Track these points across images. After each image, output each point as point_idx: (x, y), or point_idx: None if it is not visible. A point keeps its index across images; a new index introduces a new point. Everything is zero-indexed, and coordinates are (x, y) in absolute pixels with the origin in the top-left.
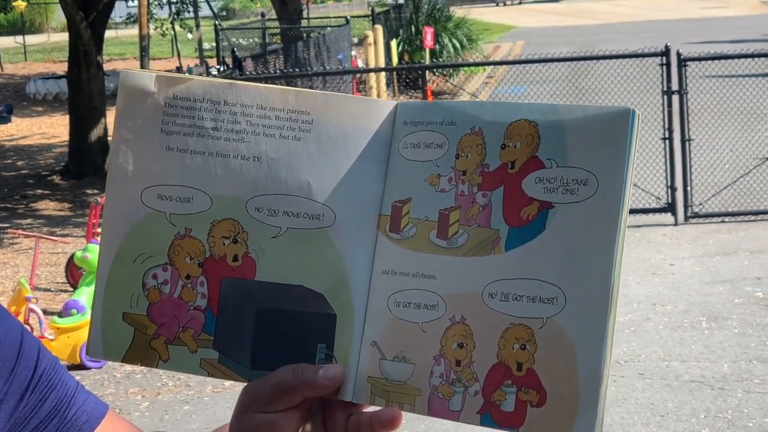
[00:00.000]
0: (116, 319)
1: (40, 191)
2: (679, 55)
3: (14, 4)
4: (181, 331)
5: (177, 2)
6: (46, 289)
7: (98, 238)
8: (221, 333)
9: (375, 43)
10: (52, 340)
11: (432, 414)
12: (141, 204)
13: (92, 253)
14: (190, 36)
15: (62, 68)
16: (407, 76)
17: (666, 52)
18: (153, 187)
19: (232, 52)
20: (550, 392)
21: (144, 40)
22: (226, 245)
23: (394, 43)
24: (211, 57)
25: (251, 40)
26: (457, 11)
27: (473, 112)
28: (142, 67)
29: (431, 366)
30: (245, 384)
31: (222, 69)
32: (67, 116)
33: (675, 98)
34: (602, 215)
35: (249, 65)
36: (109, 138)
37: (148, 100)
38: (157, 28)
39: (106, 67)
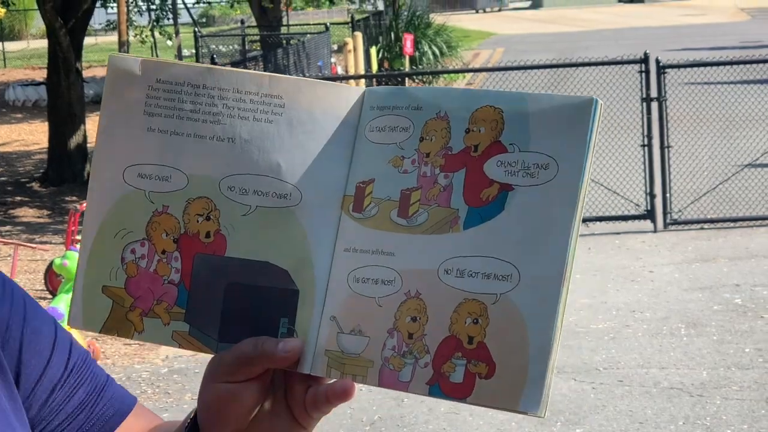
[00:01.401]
0: (96, 292)
1: (19, 198)
2: (658, 62)
3: None
4: (155, 303)
5: (156, 9)
6: None
7: (77, 246)
8: (192, 306)
9: (355, 50)
10: None
11: (382, 385)
12: (123, 182)
13: (71, 260)
14: (169, 43)
15: (41, 75)
16: (387, 83)
17: (645, 60)
18: (134, 166)
19: (212, 58)
20: (499, 365)
21: (123, 47)
22: (199, 222)
23: (373, 50)
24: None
25: (231, 47)
26: (437, 18)
27: (440, 97)
28: None
29: (385, 339)
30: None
31: None
32: (47, 123)
33: (654, 105)
34: (560, 198)
35: None
36: (89, 145)
37: (134, 83)
38: (136, 35)
39: (86, 74)
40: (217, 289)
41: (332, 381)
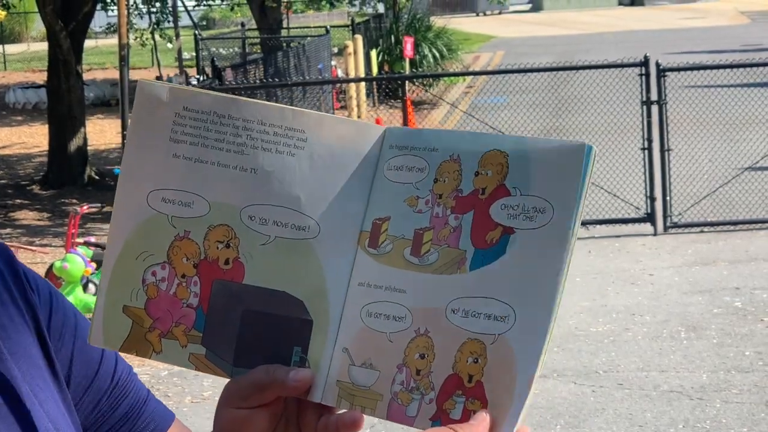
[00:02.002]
0: (117, 311)
1: (19, 201)
2: (658, 65)
3: None
4: (174, 326)
5: (157, 12)
6: None
7: (77, 248)
8: (209, 330)
9: (355, 53)
10: None
11: (390, 418)
12: (147, 205)
13: (71, 263)
14: (170, 46)
15: (42, 77)
16: (387, 86)
17: (645, 63)
18: (158, 191)
19: (212, 61)
20: (490, 403)
21: (123, 50)
22: (219, 249)
23: (374, 53)
24: (191, 66)
25: (231, 50)
26: (437, 21)
27: (454, 140)
28: (122, 76)
29: (394, 374)
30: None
31: (202, 79)
32: (47, 126)
33: (654, 108)
34: (554, 242)
35: (229, 75)
36: (89, 148)
37: (161, 109)
38: (137, 38)
39: (86, 76)
40: (234, 315)
41: (342, 411)
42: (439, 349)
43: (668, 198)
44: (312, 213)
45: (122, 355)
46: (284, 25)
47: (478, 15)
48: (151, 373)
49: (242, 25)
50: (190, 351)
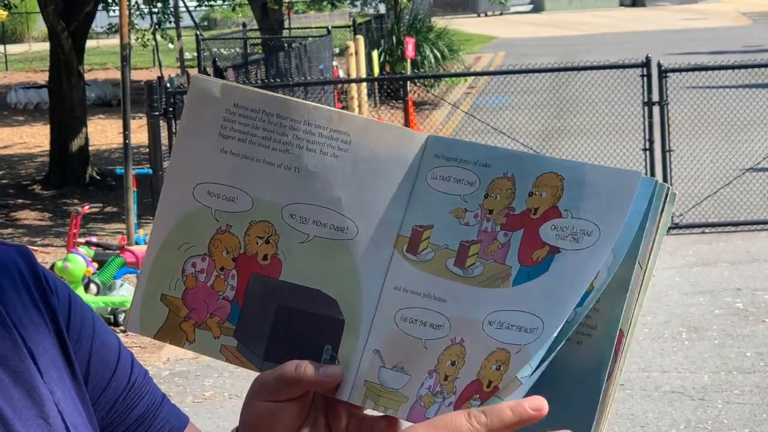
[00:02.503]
0: (155, 299)
1: (20, 201)
2: (659, 66)
3: None
4: (208, 317)
5: (158, 12)
6: None
7: (79, 248)
8: (243, 323)
9: (356, 53)
10: None
11: (409, 419)
12: (192, 198)
13: (73, 263)
14: (171, 46)
15: (43, 77)
16: (388, 87)
17: (647, 63)
18: (204, 184)
19: (214, 62)
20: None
21: (125, 50)
22: (259, 244)
23: (375, 53)
24: (193, 67)
25: (232, 50)
26: (439, 22)
27: (509, 158)
28: (123, 77)
29: (424, 379)
30: (257, 373)
31: None
32: (48, 126)
33: (656, 109)
34: (592, 261)
35: (230, 75)
36: (91, 148)
37: (213, 104)
38: (138, 38)
39: (87, 76)
40: (268, 310)
41: (377, 415)
42: (469, 357)
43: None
44: (351, 215)
45: (157, 342)
46: (286, 25)
47: (479, 16)
48: (153, 372)
49: (244, 25)
50: (222, 342)
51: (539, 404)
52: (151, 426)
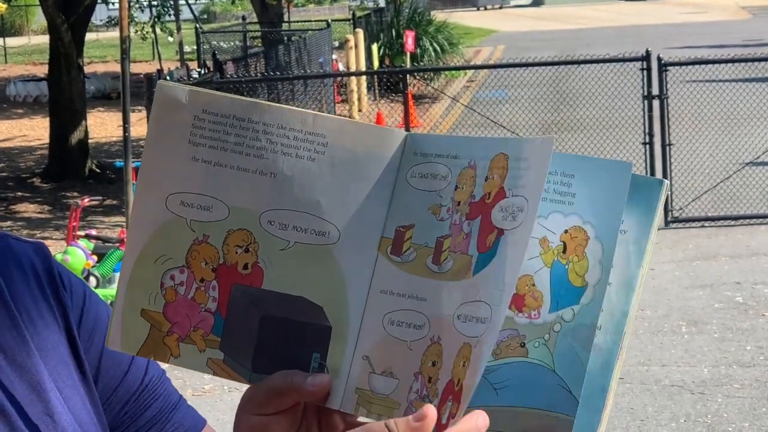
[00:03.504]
0: (135, 315)
1: (20, 194)
2: (659, 59)
3: None
4: (192, 330)
5: (158, 5)
6: None
7: (78, 241)
8: (227, 335)
9: (356, 46)
10: None
11: None
12: (165, 209)
13: (72, 255)
14: (170, 39)
15: (43, 70)
16: (388, 80)
17: (647, 57)
18: (177, 194)
19: (213, 55)
20: (461, 406)
21: (125, 43)
22: (238, 254)
23: (375, 46)
24: (192, 60)
25: (232, 44)
26: (438, 15)
27: (472, 146)
28: (123, 69)
29: (411, 382)
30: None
31: (203, 72)
32: (48, 119)
33: (656, 103)
34: (523, 240)
35: (230, 68)
36: (90, 141)
37: (180, 111)
38: (137, 31)
39: (87, 69)
40: (253, 320)
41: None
42: (445, 355)
43: (669, 192)
44: (332, 218)
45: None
46: (285, 18)
47: (479, 9)
48: None
49: (243, 18)
50: (208, 356)
51: (421, 414)
52: (164, 428)
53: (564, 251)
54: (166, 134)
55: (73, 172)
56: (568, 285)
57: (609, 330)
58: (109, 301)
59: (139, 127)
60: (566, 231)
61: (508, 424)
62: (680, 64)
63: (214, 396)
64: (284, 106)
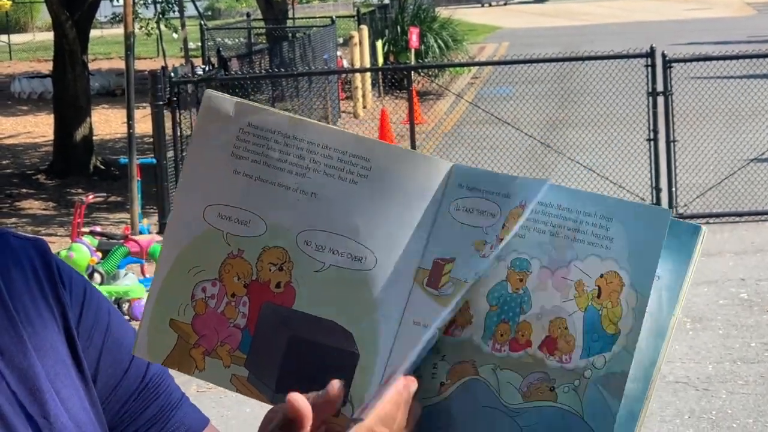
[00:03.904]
0: (164, 324)
1: (24, 190)
2: (664, 56)
3: None
4: (219, 344)
5: (162, 2)
6: None
7: (83, 237)
8: (254, 353)
9: (360, 43)
10: None
11: None
12: (203, 220)
13: (77, 252)
14: (175, 36)
15: (47, 67)
16: (392, 77)
17: (651, 54)
18: (216, 206)
19: (218, 51)
20: None
21: (129, 39)
22: (272, 271)
23: (379, 43)
24: (197, 57)
25: (236, 40)
26: (443, 12)
27: (523, 187)
28: (127, 66)
29: None
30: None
31: (207, 68)
32: (52, 115)
33: (660, 99)
34: None
35: (234, 65)
36: (95, 137)
37: (226, 123)
38: (142, 27)
39: (91, 66)
40: (280, 340)
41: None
42: None
43: (674, 189)
44: (370, 244)
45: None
46: (290, 15)
47: (483, 6)
48: None
49: (248, 15)
50: (232, 372)
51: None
52: (165, 427)
53: (598, 296)
54: (210, 145)
55: (77, 168)
56: (602, 331)
57: (637, 377)
58: (113, 298)
59: (143, 124)
60: (602, 275)
61: None
62: (685, 60)
63: (218, 392)
64: (330, 126)
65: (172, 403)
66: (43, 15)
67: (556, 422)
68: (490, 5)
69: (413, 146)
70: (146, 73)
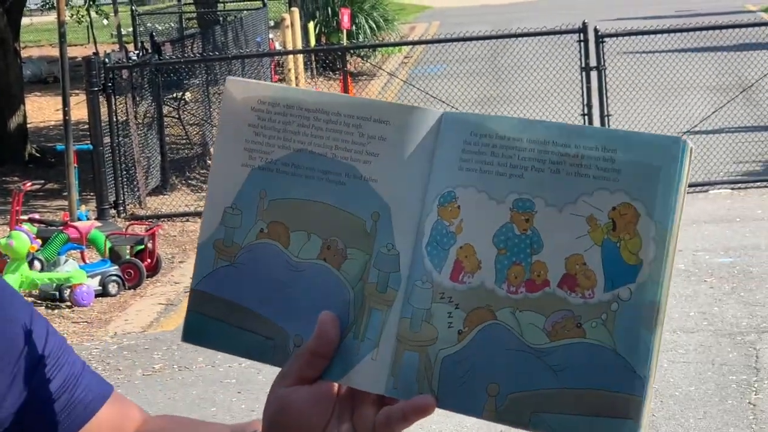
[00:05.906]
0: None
1: None
2: (596, 31)
3: None
4: None
5: None
6: None
7: (22, 225)
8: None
9: (292, 25)
10: None
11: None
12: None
13: (17, 239)
14: (105, 22)
15: None
16: (325, 58)
17: (583, 29)
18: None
19: (151, 36)
20: None
21: (62, 27)
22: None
23: (311, 25)
24: (129, 42)
25: (168, 25)
26: None
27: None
28: (61, 53)
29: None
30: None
31: (140, 54)
32: None
33: (593, 74)
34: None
35: (168, 50)
36: (29, 125)
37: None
38: (72, 15)
39: (23, 54)
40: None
41: (411, 400)
42: None
43: None
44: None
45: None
46: None
47: None
48: (101, 347)
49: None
50: None
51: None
52: (73, 395)
53: (614, 229)
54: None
55: (12, 157)
56: (622, 263)
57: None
58: (54, 285)
59: (77, 110)
60: (614, 208)
61: (573, 406)
62: (617, 35)
63: (164, 375)
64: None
65: (76, 372)
66: None
67: (588, 358)
68: None
69: None
70: (79, 59)
